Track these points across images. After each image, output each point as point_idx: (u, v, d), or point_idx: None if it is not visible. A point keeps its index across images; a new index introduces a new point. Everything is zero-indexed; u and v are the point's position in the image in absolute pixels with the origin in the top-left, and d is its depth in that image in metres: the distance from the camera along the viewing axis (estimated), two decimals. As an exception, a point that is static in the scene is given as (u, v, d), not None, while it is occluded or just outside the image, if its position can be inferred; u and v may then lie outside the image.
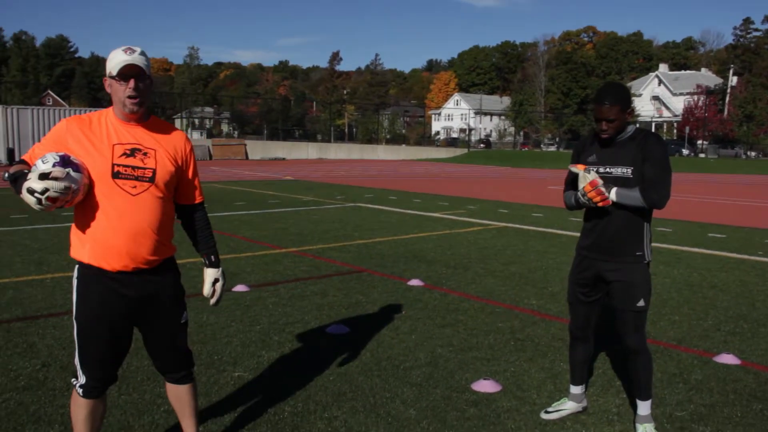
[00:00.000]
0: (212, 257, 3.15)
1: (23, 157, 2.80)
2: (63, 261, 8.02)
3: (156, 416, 3.76)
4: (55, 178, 2.54)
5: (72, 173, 2.62)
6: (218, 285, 3.14)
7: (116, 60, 2.73)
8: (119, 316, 2.88)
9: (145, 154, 2.83)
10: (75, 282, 2.91)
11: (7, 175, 2.64)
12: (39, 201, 2.54)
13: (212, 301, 3.15)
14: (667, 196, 3.45)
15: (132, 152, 2.81)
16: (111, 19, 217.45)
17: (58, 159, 2.63)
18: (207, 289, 3.12)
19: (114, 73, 2.73)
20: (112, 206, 2.76)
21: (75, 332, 2.91)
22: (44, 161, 2.62)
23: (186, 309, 3.12)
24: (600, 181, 3.46)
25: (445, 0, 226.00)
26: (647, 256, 3.56)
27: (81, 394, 2.94)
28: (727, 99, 73.82)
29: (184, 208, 3.09)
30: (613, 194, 3.46)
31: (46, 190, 2.53)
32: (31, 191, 2.54)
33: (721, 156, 59.79)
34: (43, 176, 2.54)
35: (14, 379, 4.28)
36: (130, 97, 2.75)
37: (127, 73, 2.72)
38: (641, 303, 3.52)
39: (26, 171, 2.63)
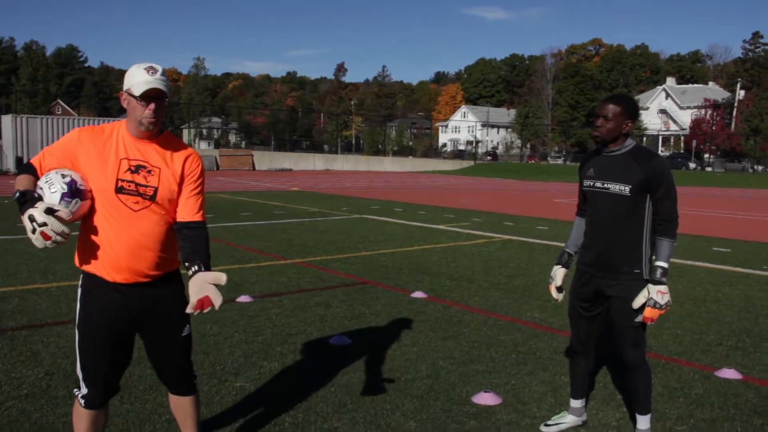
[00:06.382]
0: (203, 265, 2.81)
1: (32, 161, 2.78)
2: (68, 270, 8.06)
3: (157, 426, 3.78)
4: (59, 218, 2.51)
5: (79, 201, 2.68)
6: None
7: (138, 79, 2.74)
8: (121, 326, 2.90)
9: (149, 171, 2.84)
10: (79, 291, 2.93)
11: (18, 194, 2.58)
12: (33, 230, 2.48)
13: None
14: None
15: (137, 169, 2.82)
16: (121, 29, 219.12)
17: (65, 189, 2.65)
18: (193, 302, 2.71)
19: (136, 93, 2.73)
20: (113, 220, 2.78)
21: (77, 341, 2.92)
22: (51, 188, 2.64)
23: (189, 322, 3.10)
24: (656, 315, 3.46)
25: (454, 12, 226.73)
26: (645, 273, 3.56)
27: (83, 404, 2.95)
28: (735, 113, 73.81)
29: (180, 225, 2.91)
30: (665, 264, 3.48)
31: (45, 224, 2.47)
32: (31, 218, 2.48)
33: (728, 170, 59.62)
34: (50, 211, 2.51)
35: (17, 387, 4.31)
36: (147, 117, 2.78)
37: (150, 95, 2.74)
38: (640, 318, 3.53)
39: (36, 196, 2.60)
